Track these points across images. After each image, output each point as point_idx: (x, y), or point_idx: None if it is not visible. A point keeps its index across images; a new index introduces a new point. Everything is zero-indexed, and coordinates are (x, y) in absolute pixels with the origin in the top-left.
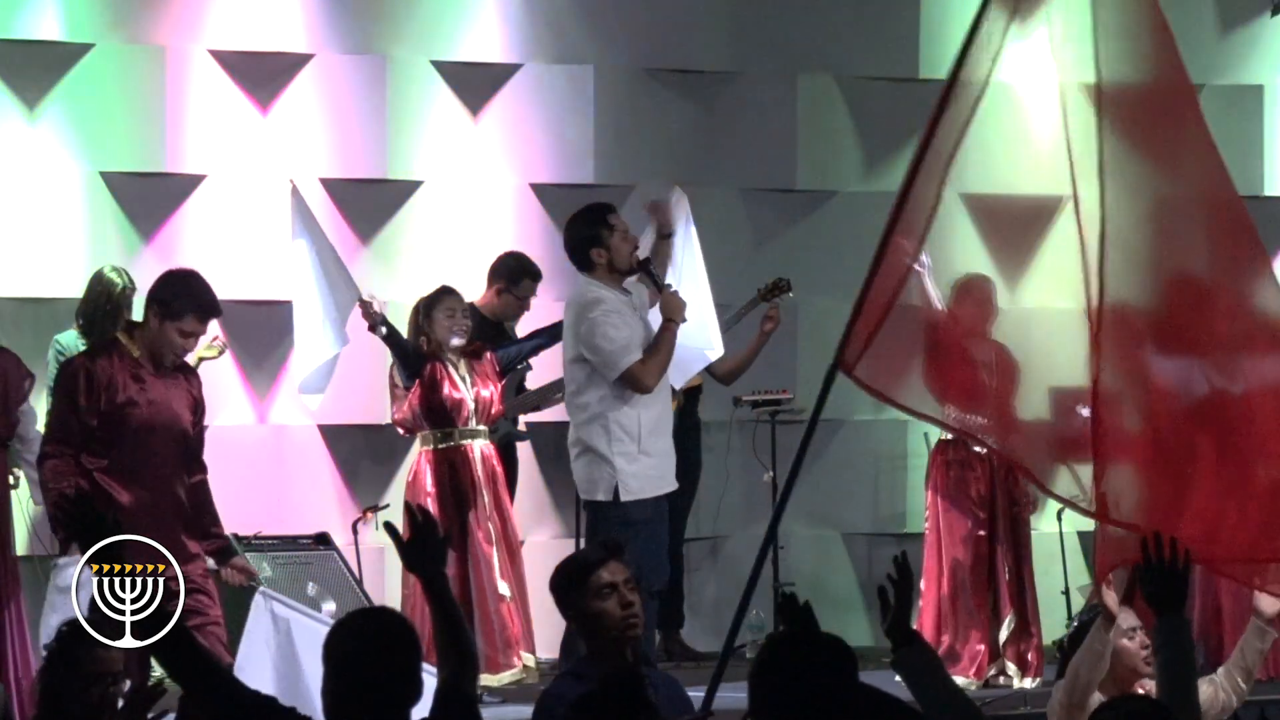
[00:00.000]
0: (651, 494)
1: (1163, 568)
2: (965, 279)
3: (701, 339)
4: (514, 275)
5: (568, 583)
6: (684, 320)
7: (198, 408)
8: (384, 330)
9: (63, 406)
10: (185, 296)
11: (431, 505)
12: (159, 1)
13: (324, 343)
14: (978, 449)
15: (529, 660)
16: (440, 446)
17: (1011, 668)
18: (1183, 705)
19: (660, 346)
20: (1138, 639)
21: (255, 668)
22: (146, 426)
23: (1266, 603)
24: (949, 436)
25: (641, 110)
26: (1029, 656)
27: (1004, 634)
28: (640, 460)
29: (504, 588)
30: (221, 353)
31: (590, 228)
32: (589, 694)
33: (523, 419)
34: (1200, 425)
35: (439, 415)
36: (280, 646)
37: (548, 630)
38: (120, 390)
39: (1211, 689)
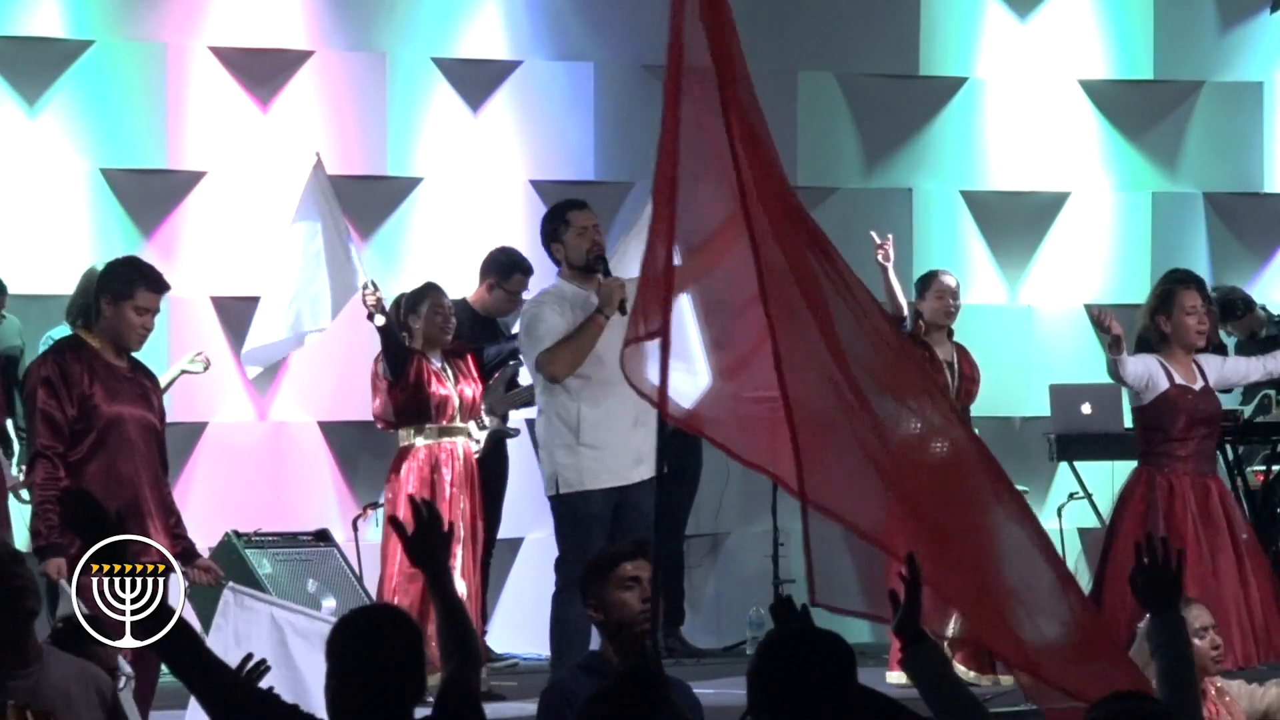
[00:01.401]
0: (594, 486)
1: (1155, 568)
2: (927, 273)
3: None
4: (505, 270)
5: (594, 573)
6: (617, 313)
7: (159, 407)
8: (382, 320)
9: (47, 405)
10: (130, 275)
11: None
12: None
13: (283, 323)
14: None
15: None
16: (422, 443)
17: (960, 669)
18: (1183, 706)
19: (575, 336)
20: (1208, 638)
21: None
22: (115, 421)
23: None
24: None
25: (642, 107)
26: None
27: (950, 631)
28: (581, 452)
29: (461, 586)
30: (206, 368)
31: (549, 224)
32: (605, 690)
33: (513, 415)
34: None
35: (424, 411)
36: (254, 640)
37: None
38: (88, 386)
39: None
